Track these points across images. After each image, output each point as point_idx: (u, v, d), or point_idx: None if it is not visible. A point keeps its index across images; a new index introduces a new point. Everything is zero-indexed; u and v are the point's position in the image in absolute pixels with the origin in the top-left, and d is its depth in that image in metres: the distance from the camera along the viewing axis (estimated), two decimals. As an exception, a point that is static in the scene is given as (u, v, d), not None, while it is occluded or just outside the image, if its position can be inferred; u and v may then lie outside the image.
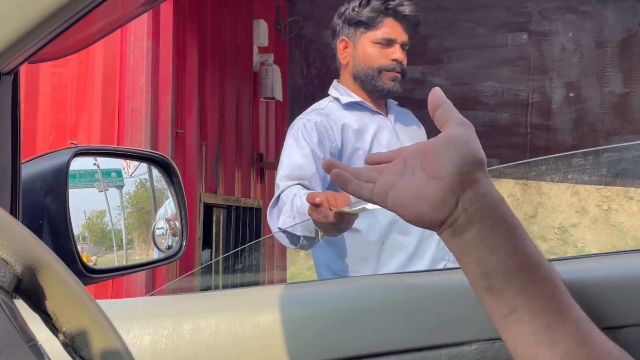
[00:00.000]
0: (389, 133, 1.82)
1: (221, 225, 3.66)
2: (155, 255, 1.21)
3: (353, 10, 1.79)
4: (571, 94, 4.73)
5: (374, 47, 1.79)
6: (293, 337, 0.79)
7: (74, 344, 0.48)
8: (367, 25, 1.79)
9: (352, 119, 1.80)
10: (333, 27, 1.86)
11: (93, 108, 2.73)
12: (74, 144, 2.54)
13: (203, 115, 3.36)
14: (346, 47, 1.83)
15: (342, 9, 1.81)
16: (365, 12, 1.78)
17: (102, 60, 2.73)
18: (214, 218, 3.56)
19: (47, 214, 0.94)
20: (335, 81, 1.91)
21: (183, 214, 1.18)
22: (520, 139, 4.78)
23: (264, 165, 4.43)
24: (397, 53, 1.79)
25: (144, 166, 1.31)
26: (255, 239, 4.06)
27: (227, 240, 3.72)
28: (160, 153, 1.18)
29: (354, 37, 1.81)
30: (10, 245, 0.47)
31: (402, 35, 1.79)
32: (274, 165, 4.77)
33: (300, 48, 4.99)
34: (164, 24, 2.87)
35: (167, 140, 2.84)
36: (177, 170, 1.20)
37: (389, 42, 1.79)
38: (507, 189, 9.52)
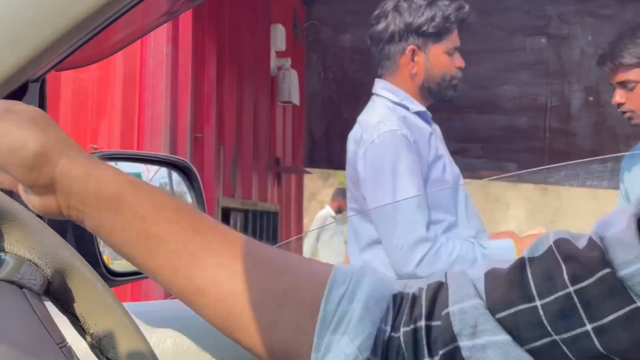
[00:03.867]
0: (441, 140, 1.85)
1: (238, 228, 3.68)
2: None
3: (428, 21, 1.77)
4: (590, 98, 4.69)
5: (444, 56, 1.81)
6: (313, 341, 0.80)
7: (101, 346, 0.49)
8: (440, 35, 1.79)
9: (425, 125, 1.81)
10: (391, 32, 1.80)
11: (113, 112, 2.76)
12: (95, 148, 2.57)
13: (221, 120, 3.39)
14: (415, 56, 1.81)
15: (410, 18, 1.77)
16: (441, 24, 1.78)
17: (123, 65, 2.77)
18: (232, 222, 3.58)
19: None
20: (385, 82, 1.85)
21: (203, 217, 1.19)
22: (538, 143, 4.75)
23: (280, 169, 4.45)
24: (461, 60, 1.83)
25: (163, 170, 1.32)
26: (272, 242, 4.08)
27: (245, 244, 3.73)
28: (181, 158, 1.20)
29: (424, 47, 1.80)
30: (41, 249, 0.48)
31: (459, 42, 1.84)
32: (291, 170, 4.80)
33: (318, 52, 5.00)
34: (183, 29, 2.90)
35: (186, 144, 2.87)
36: (198, 175, 1.21)
37: (455, 50, 1.82)
38: (526, 194, 9.45)
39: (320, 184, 10.31)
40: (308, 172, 5.24)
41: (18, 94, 0.78)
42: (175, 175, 1.29)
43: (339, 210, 6.44)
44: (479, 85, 4.60)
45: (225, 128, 3.44)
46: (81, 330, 0.50)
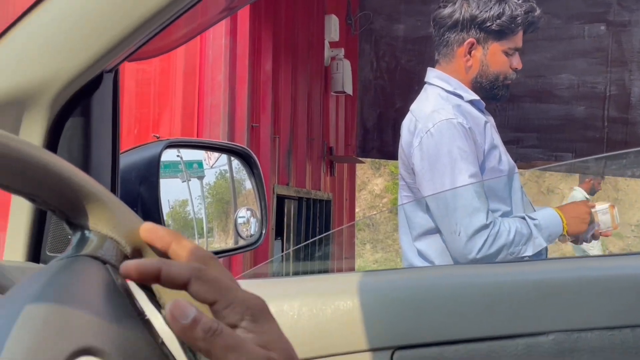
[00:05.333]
0: (495, 130, 1.79)
1: (292, 216, 3.73)
2: (236, 243, 1.25)
3: (494, 17, 1.72)
4: (652, 86, 4.55)
5: (502, 55, 1.76)
6: (371, 322, 0.82)
7: None
8: (503, 34, 1.74)
9: (479, 114, 1.76)
10: (454, 20, 1.76)
11: (174, 103, 2.83)
12: (157, 137, 2.65)
13: (276, 110, 3.43)
14: (472, 49, 1.76)
15: (477, 10, 1.72)
16: (506, 23, 1.72)
17: (183, 57, 2.83)
18: (286, 209, 3.63)
19: (140, 202, 0.99)
20: (437, 71, 1.81)
21: (263, 204, 1.22)
22: (596, 132, 4.63)
23: (333, 159, 4.47)
24: (519, 62, 1.77)
25: (223, 158, 1.36)
26: (324, 230, 4.12)
27: (298, 231, 3.79)
28: (242, 145, 1.23)
29: (485, 43, 1.76)
30: (122, 228, 0.51)
31: (521, 43, 1.78)
32: (343, 159, 4.82)
33: (370, 42, 5.00)
34: (241, 22, 2.94)
35: (243, 133, 2.92)
36: (258, 162, 1.24)
37: (515, 51, 1.77)
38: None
39: (370, 174, 10.28)
40: (361, 162, 5.25)
41: (94, 84, 0.83)
42: (235, 162, 1.33)
43: (592, 191, 6.02)
44: (536, 73, 4.51)
45: (280, 118, 3.48)
46: (157, 305, 0.53)
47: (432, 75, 1.81)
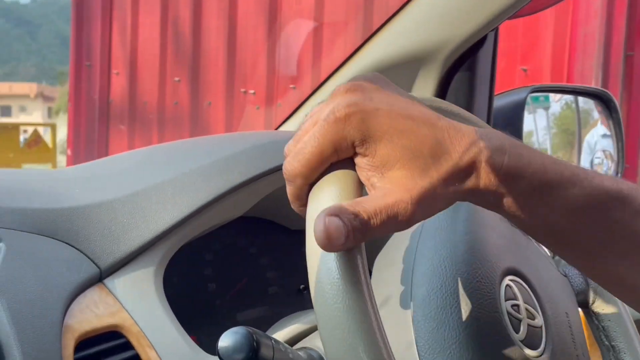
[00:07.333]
0: None
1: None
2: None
3: None
4: None
5: None
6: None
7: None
8: None
9: None
10: None
11: (545, 34, 2.79)
12: (525, 69, 2.65)
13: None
14: None
15: None
16: None
17: (557, -17, 2.76)
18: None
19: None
20: None
21: (620, 145, 1.26)
22: None
23: None
24: None
25: (567, 98, 1.41)
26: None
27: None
28: (604, 89, 1.27)
29: None
30: None
31: None
32: None
33: None
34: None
35: (619, 63, 2.73)
36: (618, 106, 1.28)
37: None
38: None
39: None
40: None
41: (480, 42, 0.99)
42: (582, 103, 1.38)
43: None
44: None
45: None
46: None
47: None
